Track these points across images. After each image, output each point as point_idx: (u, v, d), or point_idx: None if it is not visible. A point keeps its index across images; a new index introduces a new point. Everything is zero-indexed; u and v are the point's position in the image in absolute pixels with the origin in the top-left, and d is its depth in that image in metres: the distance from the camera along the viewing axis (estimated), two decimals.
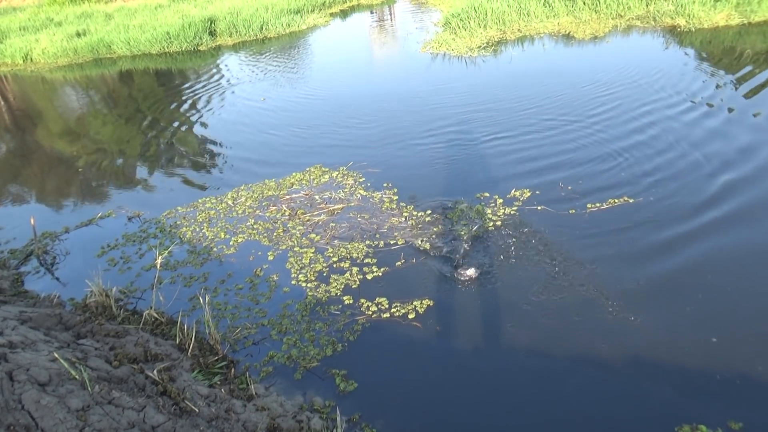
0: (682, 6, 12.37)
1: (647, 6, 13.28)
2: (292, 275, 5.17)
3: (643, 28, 12.32)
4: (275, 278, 5.17)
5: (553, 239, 5.13)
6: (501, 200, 5.84)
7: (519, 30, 13.36)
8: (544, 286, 4.57)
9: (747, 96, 7.83)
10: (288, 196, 6.62)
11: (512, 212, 5.60)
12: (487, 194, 6.02)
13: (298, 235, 5.80)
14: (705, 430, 3.19)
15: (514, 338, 4.12)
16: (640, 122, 7.41)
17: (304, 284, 5.03)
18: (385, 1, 20.94)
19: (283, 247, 5.65)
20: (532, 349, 3.99)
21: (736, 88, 8.18)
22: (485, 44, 12.52)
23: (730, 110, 7.38)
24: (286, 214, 6.23)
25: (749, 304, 4.09)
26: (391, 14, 18.98)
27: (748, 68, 8.97)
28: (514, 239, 5.21)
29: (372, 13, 19.60)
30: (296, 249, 5.57)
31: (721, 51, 10.20)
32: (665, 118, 7.43)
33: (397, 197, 6.25)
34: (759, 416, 3.26)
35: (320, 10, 20.16)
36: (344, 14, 19.78)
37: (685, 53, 10.33)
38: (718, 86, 8.34)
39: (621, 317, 4.13)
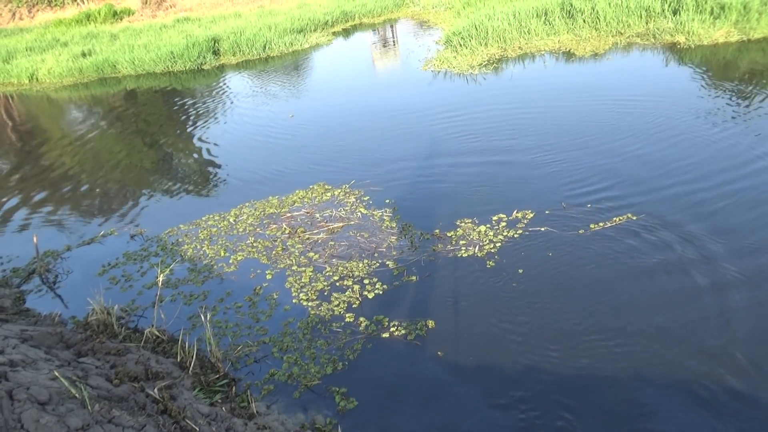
0: (681, 23, 12.48)
1: (647, 23, 13.40)
2: (293, 294, 5.18)
3: (643, 45, 12.41)
4: (275, 297, 5.18)
5: (557, 258, 5.14)
6: (504, 222, 5.83)
7: (520, 48, 13.47)
8: (546, 307, 4.57)
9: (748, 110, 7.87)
10: (289, 214, 6.65)
11: (515, 234, 5.59)
12: (499, 215, 5.97)
13: (297, 254, 5.81)
14: None
15: (515, 361, 4.11)
16: (640, 137, 7.45)
17: (305, 303, 5.03)
18: (387, 20, 21.18)
19: (282, 265, 5.66)
20: (534, 368, 3.98)
21: (739, 103, 8.23)
22: (486, 62, 12.63)
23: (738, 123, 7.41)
24: (286, 232, 6.26)
25: None
26: (393, 33, 19.18)
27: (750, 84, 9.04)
28: (519, 259, 5.23)
29: (374, 32, 19.81)
30: (294, 268, 5.58)
31: (722, 67, 10.28)
32: (666, 134, 7.46)
33: (399, 216, 6.27)
34: None
35: (323, 29, 20.39)
36: (347, 33, 20.00)
37: (685, 69, 10.41)
38: (720, 100, 8.39)
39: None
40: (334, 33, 20.03)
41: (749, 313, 4.18)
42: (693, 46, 11.58)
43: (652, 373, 3.78)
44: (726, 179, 6.09)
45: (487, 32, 14.16)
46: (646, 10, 13.55)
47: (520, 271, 5.03)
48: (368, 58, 15.70)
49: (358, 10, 21.85)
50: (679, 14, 12.89)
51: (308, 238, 6.06)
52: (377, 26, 20.57)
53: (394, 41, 18.04)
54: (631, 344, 4.04)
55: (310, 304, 5.02)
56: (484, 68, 12.18)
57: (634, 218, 5.56)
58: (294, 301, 5.09)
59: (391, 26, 20.24)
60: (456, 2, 19.19)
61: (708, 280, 4.58)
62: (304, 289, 5.22)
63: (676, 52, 11.56)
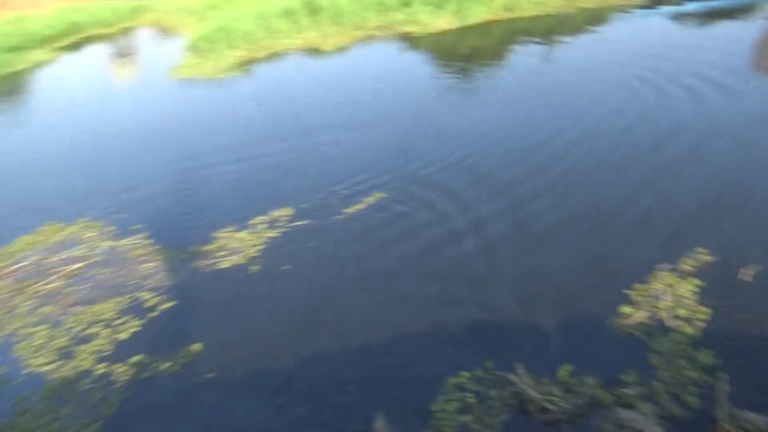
0: (411, 15, 13.66)
1: (383, 17, 14.36)
2: (25, 362, 4.26)
3: (382, 36, 13.25)
4: (2, 372, 4.21)
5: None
6: (265, 224, 5.60)
7: (268, 48, 13.36)
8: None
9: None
10: (14, 267, 5.49)
11: (277, 233, 5.40)
12: (259, 218, 5.71)
13: (25, 313, 4.81)
14: None
15: (289, 358, 3.93)
16: (380, 121, 7.87)
17: (43, 368, 4.18)
18: (124, 29, 19.29)
19: (6, 332, 4.63)
20: (310, 360, 3.85)
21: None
22: (236, 65, 12.24)
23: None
24: (11, 290, 5.14)
25: None
26: (132, 43, 17.54)
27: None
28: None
29: (110, 43, 17.87)
30: (23, 331, 4.60)
31: (447, 50, 11.52)
32: (403, 114, 8.00)
33: (150, 240, 5.61)
34: None
35: (47, 44, 17.71)
36: (75, 48, 17.67)
37: (418, 54, 11.42)
38: (450, 79, 9.32)
39: None
40: (60, 48, 17.59)
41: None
42: (423, 34, 12.73)
43: (413, 328, 4.04)
44: (460, 148, 6.72)
45: (234, 35, 13.76)
46: (381, 4, 14.51)
47: (286, 267, 4.90)
48: (104, 72, 14.10)
49: (88, 20, 19.53)
50: (410, 6, 14.08)
51: (39, 291, 5.06)
52: (113, 37, 18.64)
53: (133, 52, 16.53)
54: (393, 307, 4.29)
55: (48, 368, 4.18)
56: (233, 71, 11.78)
57: (384, 195, 5.83)
58: (27, 371, 4.19)
59: (129, 36, 18.53)
60: (199, 6, 18.33)
61: (450, 233, 4.98)
62: (40, 353, 4.34)
63: (409, 40, 12.59)
